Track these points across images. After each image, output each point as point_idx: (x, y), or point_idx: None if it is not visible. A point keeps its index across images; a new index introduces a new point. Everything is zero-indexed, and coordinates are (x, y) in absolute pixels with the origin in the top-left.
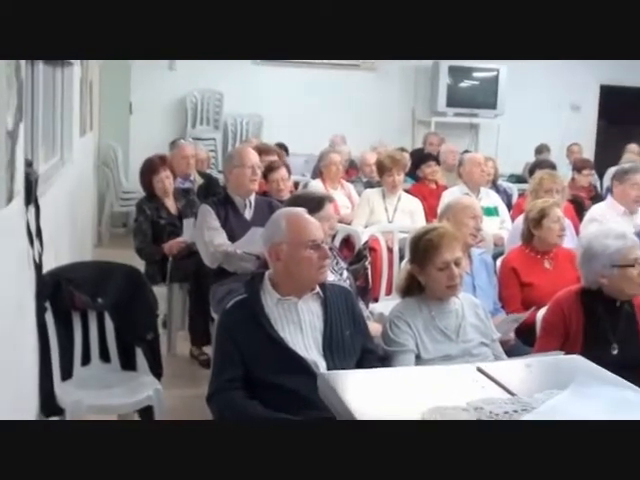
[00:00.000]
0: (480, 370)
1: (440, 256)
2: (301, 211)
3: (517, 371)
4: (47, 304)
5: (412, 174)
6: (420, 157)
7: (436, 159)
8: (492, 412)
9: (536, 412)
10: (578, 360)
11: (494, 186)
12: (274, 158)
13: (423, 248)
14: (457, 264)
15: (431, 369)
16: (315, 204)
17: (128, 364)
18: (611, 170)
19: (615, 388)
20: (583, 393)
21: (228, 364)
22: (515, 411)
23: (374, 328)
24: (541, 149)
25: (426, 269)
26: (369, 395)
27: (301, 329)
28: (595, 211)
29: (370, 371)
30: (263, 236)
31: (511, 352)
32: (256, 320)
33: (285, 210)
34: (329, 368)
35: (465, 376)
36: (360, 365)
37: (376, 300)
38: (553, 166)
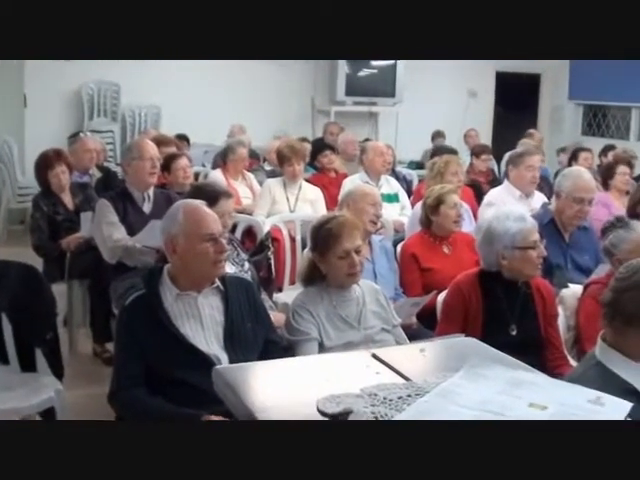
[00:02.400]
0: (375, 356)
1: (340, 245)
2: (199, 203)
3: (411, 356)
4: None
5: (312, 164)
6: (317, 147)
7: (332, 148)
8: (386, 398)
9: (428, 395)
10: (471, 342)
11: (394, 173)
12: (173, 149)
13: (323, 237)
14: (357, 252)
15: (326, 357)
16: (211, 199)
17: (28, 365)
18: (507, 155)
19: (507, 368)
20: (476, 374)
21: (129, 361)
22: (409, 395)
23: (279, 318)
24: (435, 135)
25: (327, 258)
26: (264, 388)
27: (202, 324)
28: (492, 195)
29: (264, 363)
30: (161, 228)
31: (413, 336)
32: (156, 316)
33: (183, 202)
34: (231, 361)
35: (360, 362)
36: (263, 357)
37: (280, 290)
38: (454, 151)
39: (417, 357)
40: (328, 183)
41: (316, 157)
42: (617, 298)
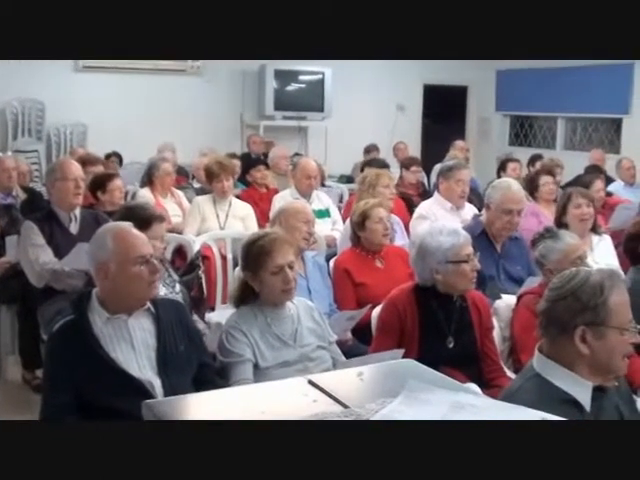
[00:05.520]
0: (311, 383)
1: (273, 261)
2: (127, 226)
3: (349, 381)
4: None
5: (242, 179)
6: (249, 162)
7: (265, 163)
8: None
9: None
10: (409, 364)
11: (324, 187)
12: (100, 169)
13: (255, 254)
14: (291, 267)
15: (261, 386)
16: (144, 223)
17: None
18: (437, 167)
19: (447, 392)
20: (415, 399)
21: (58, 389)
22: None
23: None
24: (370, 149)
25: (259, 275)
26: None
27: (133, 347)
28: (423, 208)
29: (196, 396)
30: (89, 254)
31: (349, 352)
32: (85, 341)
33: (110, 226)
34: (164, 386)
35: (296, 391)
36: (197, 380)
37: (212, 309)
38: (385, 164)
39: (355, 382)
40: (259, 199)
41: (248, 172)
42: (551, 307)
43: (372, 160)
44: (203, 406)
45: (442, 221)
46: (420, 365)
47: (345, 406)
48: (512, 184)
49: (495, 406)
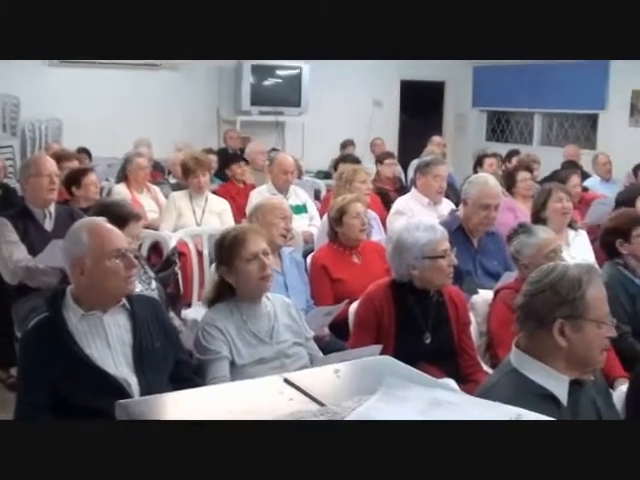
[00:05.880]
0: (287, 381)
1: (247, 249)
2: (101, 220)
3: (325, 378)
4: None
5: (220, 174)
6: (229, 157)
7: (245, 159)
8: None
9: (345, 422)
10: (386, 360)
11: (301, 182)
12: (75, 164)
13: (228, 245)
14: (265, 254)
15: (237, 385)
16: (120, 221)
17: None
18: (414, 162)
19: (424, 388)
20: (392, 396)
21: (33, 387)
22: None
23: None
24: (346, 144)
25: (235, 266)
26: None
27: (109, 344)
28: (400, 203)
29: (171, 395)
30: (63, 250)
31: (327, 348)
32: (60, 339)
33: (84, 221)
34: (141, 384)
35: (272, 389)
36: (174, 378)
37: (189, 306)
38: (357, 160)
39: (331, 379)
40: (236, 194)
41: (227, 167)
42: (529, 301)
43: (346, 156)
44: (177, 406)
45: (419, 216)
46: (397, 361)
47: (321, 404)
48: (489, 179)
49: (472, 402)
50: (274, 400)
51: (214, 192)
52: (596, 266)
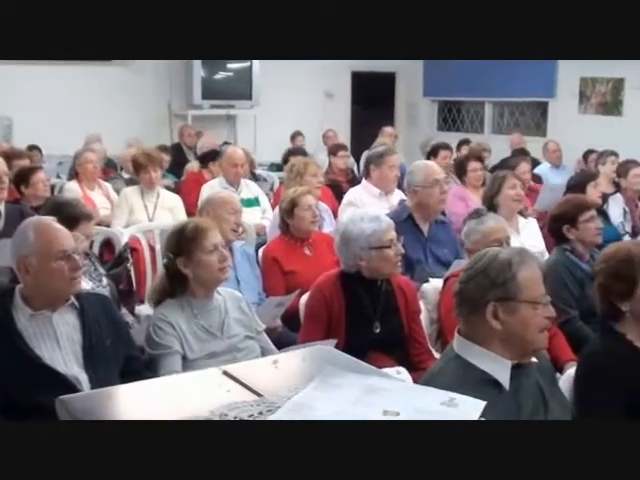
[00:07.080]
0: (226, 373)
1: (209, 239)
2: (49, 220)
3: (264, 370)
4: None
5: (173, 170)
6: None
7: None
8: (237, 417)
9: (280, 411)
10: (326, 350)
11: (253, 176)
12: (26, 162)
13: (190, 236)
14: (223, 247)
15: (174, 378)
16: (71, 221)
17: None
18: (366, 154)
19: (360, 376)
20: (329, 384)
21: None
22: (260, 413)
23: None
24: (294, 135)
25: (195, 256)
26: (110, 419)
27: (58, 343)
28: (352, 194)
29: (107, 390)
30: (10, 248)
31: (279, 340)
32: (9, 339)
33: (32, 220)
34: (92, 381)
35: (210, 381)
36: (125, 373)
37: (142, 302)
38: (304, 153)
39: (270, 371)
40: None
41: (179, 163)
42: (464, 288)
43: (295, 149)
44: (115, 401)
45: (369, 207)
46: (336, 351)
47: (259, 395)
48: (427, 162)
49: (407, 388)
50: (212, 392)
51: (168, 188)
52: (544, 251)
